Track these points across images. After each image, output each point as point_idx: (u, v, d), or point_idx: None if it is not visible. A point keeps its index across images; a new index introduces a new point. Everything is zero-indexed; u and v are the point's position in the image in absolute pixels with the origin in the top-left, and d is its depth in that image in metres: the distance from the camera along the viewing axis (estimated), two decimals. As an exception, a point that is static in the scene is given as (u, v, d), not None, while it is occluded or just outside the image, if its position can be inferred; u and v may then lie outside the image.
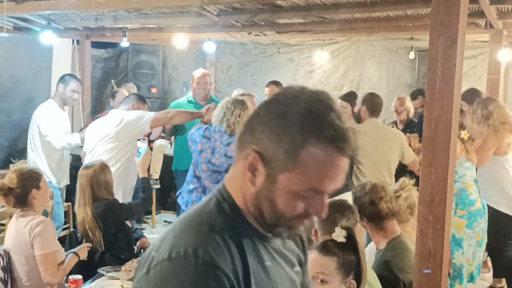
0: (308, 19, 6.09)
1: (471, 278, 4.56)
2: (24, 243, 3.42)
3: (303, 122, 1.21)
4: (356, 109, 5.56)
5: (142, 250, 4.29)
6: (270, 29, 6.51)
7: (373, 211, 3.01)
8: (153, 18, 5.67)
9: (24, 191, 3.47)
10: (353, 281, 2.19)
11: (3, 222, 4.89)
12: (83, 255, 3.62)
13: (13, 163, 6.92)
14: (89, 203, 3.88)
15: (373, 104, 5.13)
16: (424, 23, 6.34)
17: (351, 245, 2.21)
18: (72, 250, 3.63)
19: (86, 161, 4.69)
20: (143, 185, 4.36)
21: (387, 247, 2.98)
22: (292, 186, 1.23)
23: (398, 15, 5.91)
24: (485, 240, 4.57)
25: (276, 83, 7.10)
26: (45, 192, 3.61)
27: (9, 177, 3.49)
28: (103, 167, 4.00)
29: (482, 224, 4.47)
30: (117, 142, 4.72)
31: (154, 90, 9.10)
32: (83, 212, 3.89)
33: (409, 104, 6.46)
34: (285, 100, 1.25)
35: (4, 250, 3.49)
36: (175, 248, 1.20)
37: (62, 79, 5.96)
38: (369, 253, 3.10)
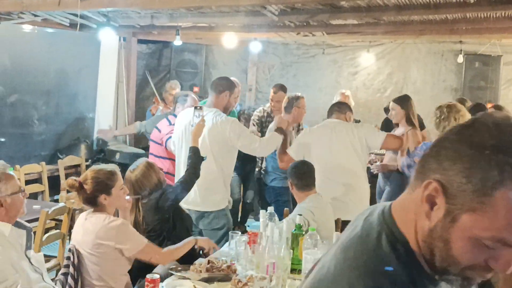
0: (363, 20, 6.02)
1: None
2: (103, 245, 3.39)
3: (504, 158, 1.01)
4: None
5: (200, 252, 4.23)
6: (323, 29, 6.46)
7: None
8: (209, 17, 5.65)
9: (92, 195, 3.43)
10: None
11: (60, 217, 4.89)
12: (204, 244, 3.66)
13: (61, 158, 6.96)
14: (133, 206, 3.87)
15: None
16: (477, 27, 6.25)
17: None
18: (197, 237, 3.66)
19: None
20: (191, 154, 4.30)
21: None
22: (475, 230, 1.04)
23: (456, 18, 5.82)
24: None
25: (283, 88, 6.32)
26: (117, 198, 3.54)
27: (85, 175, 3.45)
28: (149, 166, 3.96)
29: None
30: None
31: (196, 89, 9.07)
32: (130, 216, 3.90)
33: None
34: (483, 128, 1.06)
35: (74, 247, 3.47)
36: None
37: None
38: None
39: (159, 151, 5.30)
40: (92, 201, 3.45)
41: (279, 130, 4.71)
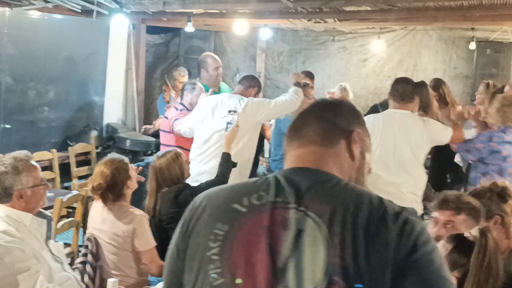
0: (377, 7, 5.95)
1: None
2: (121, 237, 3.37)
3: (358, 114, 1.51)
4: None
5: None
6: (335, 16, 6.39)
7: None
8: (221, 4, 5.59)
9: (121, 185, 3.41)
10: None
11: (74, 205, 4.87)
12: None
13: (71, 145, 6.93)
14: (153, 193, 3.85)
15: None
16: (491, 13, 6.18)
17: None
18: None
19: None
20: (222, 160, 4.24)
21: None
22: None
23: (471, 4, 5.74)
24: None
25: (309, 74, 6.35)
26: (134, 180, 3.55)
27: (102, 173, 3.40)
28: (175, 157, 3.93)
29: None
30: None
31: (204, 76, 9.02)
32: (147, 201, 3.87)
33: None
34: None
35: (93, 235, 3.45)
36: None
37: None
38: None
39: (169, 140, 5.25)
40: (120, 193, 3.43)
41: (297, 84, 4.71)
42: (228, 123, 4.34)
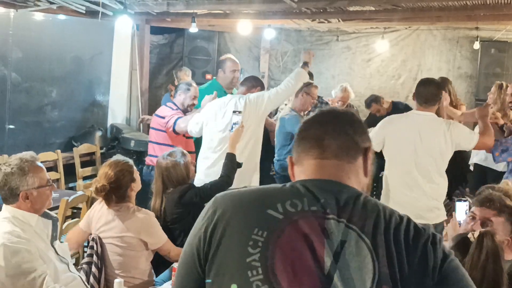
0: (381, 7, 5.95)
1: None
2: (130, 237, 3.39)
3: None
4: None
5: None
6: (339, 16, 6.39)
7: None
8: (225, 4, 5.59)
9: (125, 187, 3.43)
10: None
11: (79, 206, 4.89)
12: None
13: (75, 146, 6.95)
14: (159, 193, 3.87)
15: None
16: (495, 13, 6.17)
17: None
18: None
19: None
20: (226, 161, 4.24)
21: None
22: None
23: (475, 4, 5.74)
24: None
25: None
26: (138, 182, 3.56)
27: (106, 175, 3.42)
28: (180, 158, 3.94)
29: None
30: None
31: (208, 76, 9.02)
32: (154, 201, 3.90)
33: None
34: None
35: (97, 236, 3.46)
36: None
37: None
38: None
39: (160, 138, 5.25)
40: (124, 195, 3.45)
41: (305, 65, 4.66)
42: (234, 123, 4.35)
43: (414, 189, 3.92)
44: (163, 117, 5.16)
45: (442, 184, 4.01)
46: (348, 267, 1.25)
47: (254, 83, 4.76)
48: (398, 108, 6.74)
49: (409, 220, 1.33)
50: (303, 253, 1.27)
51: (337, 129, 1.46)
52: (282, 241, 1.29)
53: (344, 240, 1.28)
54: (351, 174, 1.43)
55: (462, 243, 1.95)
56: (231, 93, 5.69)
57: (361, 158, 1.45)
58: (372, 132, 4.07)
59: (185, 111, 5.21)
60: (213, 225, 1.36)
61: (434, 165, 3.94)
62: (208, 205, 1.43)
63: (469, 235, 1.97)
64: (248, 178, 4.54)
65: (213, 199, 1.43)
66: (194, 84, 5.34)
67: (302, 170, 1.45)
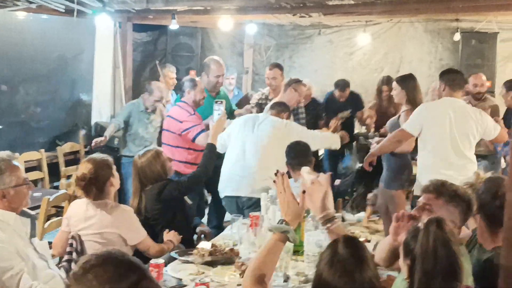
0: (360, 0, 5.99)
1: None
2: (108, 233, 3.43)
3: None
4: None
5: (202, 236, 4.27)
6: (319, 10, 6.43)
7: None
8: (206, 1, 5.62)
9: (103, 179, 3.47)
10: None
11: (62, 204, 4.90)
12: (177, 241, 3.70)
13: (60, 145, 6.95)
14: (137, 191, 3.94)
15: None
16: (474, 4, 6.22)
17: None
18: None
19: None
20: (206, 151, 4.30)
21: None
22: None
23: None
24: None
25: (279, 66, 6.32)
26: (117, 178, 3.61)
27: (86, 167, 3.46)
28: (156, 156, 3.99)
29: None
30: None
31: (192, 73, 9.03)
32: (132, 200, 3.96)
33: None
34: None
35: (77, 234, 3.48)
36: None
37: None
38: None
39: (174, 141, 5.28)
40: (102, 188, 3.48)
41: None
42: (215, 111, 4.39)
43: (451, 167, 4.37)
44: (181, 122, 5.20)
45: (475, 162, 4.55)
46: None
47: (284, 109, 4.98)
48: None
49: None
50: None
51: None
52: None
53: None
54: None
55: (415, 235, 1.98)
56: (218, 93, 5.75)
57: None
58: (410, 118, 4.60)
59: (197, 105, 5.30)
60: None
61: (468, 145, 4.47)
62: None
63: (420, 225, 2.01)
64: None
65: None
66: (197, 78, 5.47)
67: None
